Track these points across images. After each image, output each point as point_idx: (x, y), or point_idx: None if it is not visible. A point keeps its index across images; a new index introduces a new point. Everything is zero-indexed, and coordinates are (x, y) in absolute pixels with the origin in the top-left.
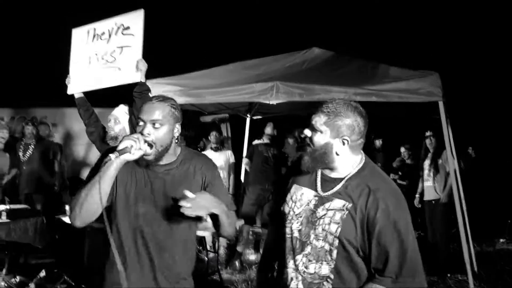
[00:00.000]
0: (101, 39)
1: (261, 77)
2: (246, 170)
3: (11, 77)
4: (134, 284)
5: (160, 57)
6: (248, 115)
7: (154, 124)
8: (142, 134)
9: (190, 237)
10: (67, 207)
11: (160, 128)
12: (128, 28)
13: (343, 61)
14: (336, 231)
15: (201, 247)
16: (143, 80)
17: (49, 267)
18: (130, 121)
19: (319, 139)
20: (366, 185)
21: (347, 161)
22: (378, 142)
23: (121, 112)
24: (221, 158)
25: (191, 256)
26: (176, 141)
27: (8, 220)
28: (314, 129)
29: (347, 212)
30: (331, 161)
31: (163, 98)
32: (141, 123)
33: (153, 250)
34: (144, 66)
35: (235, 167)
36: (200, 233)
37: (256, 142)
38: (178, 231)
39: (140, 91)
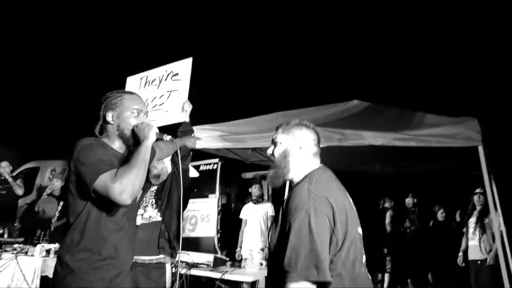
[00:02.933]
0: (152, 85)
1: None
2: None
3: (65, 131)
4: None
5: (203, 105)
6: None
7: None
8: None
9: None
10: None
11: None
12: (177, 74)
13: (382, 110)
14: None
15: None
16: (187, 120)
17: None
18: (173, 159)
19: (277, 150)
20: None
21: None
22: (409, 201)
23: None
24: (261, 210)
25: None
26: None
27: None
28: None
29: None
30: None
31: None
32: (141, 114)
33: None
34: (189, 107)
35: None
36: None
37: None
38: None
39: (184, 130)
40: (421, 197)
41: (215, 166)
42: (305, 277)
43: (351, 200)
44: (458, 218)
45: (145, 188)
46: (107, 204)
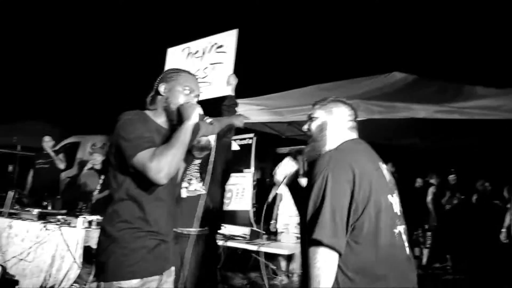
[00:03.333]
0: (195, 57)
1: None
2: None
3: (104, 107)
4: None
5: (240, 79)
6: None
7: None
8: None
9: None
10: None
11: None
12: (221, 46)
13: (424, 83)
14: None
15: None
16: (232, 94)
17: None
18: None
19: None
20: None
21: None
22: (452, 176)
23: None
24: None
25: None
26: None
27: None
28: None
29: None
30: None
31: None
32: (192, 94)
33: None
34: (234, 80)
35: None
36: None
37: None
38: None
39: (229, 104)
40: (465, 172)
41: (250, 141)
42: (321, 241)
43: (385, 170)
44: (506, 195)
45: (189, 162)
46: (146, 178)
